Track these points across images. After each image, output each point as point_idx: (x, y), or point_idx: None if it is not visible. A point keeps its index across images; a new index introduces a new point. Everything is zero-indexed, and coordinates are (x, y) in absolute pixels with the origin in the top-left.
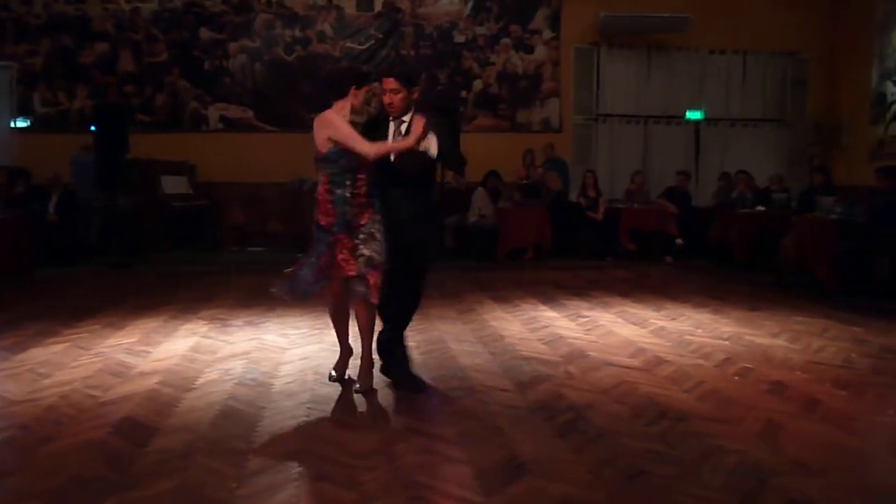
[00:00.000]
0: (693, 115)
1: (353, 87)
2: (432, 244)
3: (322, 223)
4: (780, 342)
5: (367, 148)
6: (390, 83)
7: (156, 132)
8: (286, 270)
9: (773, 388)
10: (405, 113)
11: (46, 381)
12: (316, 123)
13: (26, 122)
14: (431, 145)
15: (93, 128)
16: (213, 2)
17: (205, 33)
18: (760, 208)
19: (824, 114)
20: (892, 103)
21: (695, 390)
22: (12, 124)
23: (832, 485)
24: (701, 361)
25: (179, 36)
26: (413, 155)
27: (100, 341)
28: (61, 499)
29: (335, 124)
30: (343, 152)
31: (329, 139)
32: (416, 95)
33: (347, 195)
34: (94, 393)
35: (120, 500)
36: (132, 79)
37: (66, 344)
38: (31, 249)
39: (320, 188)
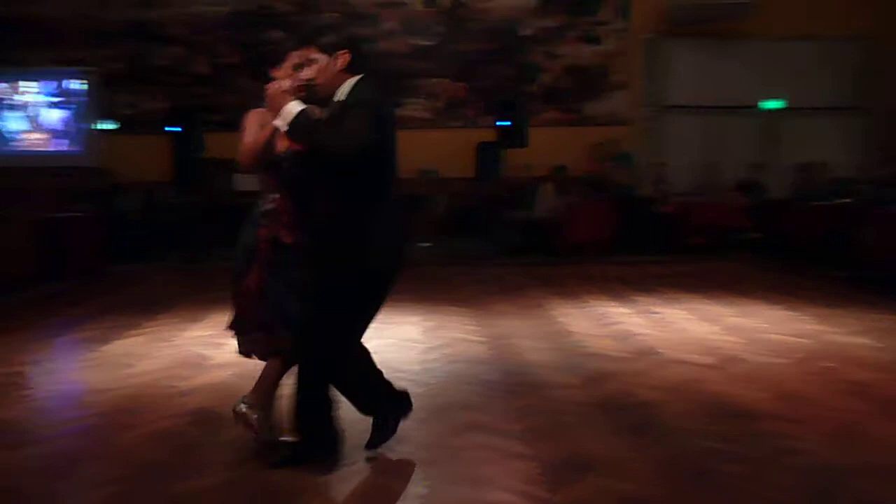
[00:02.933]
0: (770, 104)
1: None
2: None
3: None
4: (861, 341)
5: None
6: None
7: (228, 132)
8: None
9: (853, 389)
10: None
11: (128, 371)
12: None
13: (108, 124)
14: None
15: (170, 129)
16: (283, 3)
17: (274, 33)
18: (838, 200)
19: (888, 102)
20: None
21: (770, 390)
22: (98, 126)
23: None
24: (776, 360)
25: (251, 37)
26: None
27: (177, 333)
28: (137, 484)
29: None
30: None
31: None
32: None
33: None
34: (172, 383)
35: (191, 487)
36: (205, 81)
37: (146, 336)
38: (107, 245)
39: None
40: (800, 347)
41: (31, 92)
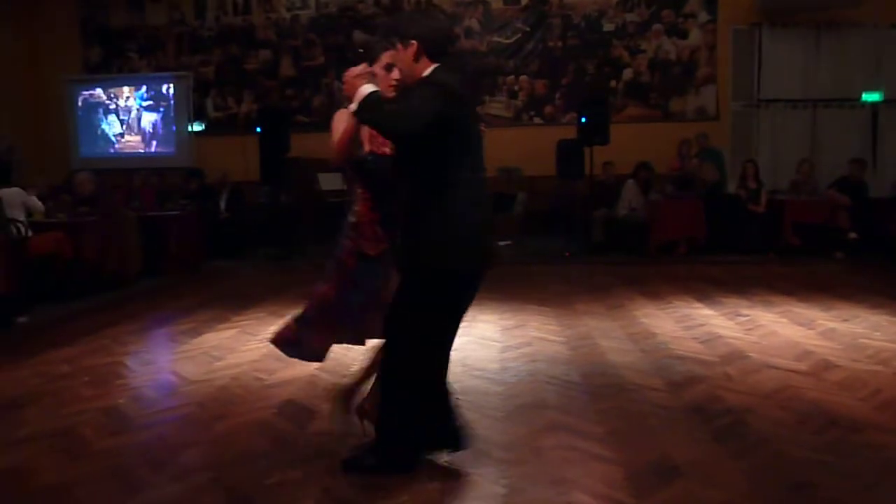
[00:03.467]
0: (870, 96)
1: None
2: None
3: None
4: None
5: None
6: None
7: (313, 132)
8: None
9: None
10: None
11: (219, 364)
12: None
13: (201, 126)
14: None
15: (258, 129)
16: (366, 5)
17: (358, 36)
18: None
19: None
20: None
21: (871, 399)
22: (189, 128)
23: None
24: (879, 367)
25: (335, 40)
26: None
27: (265, 328)
28: (232, 471)
29: None
30: None
31: None
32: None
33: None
34: (261, 376)
35: (283, 476)
36: (292, 83)
37: (236, 330)
38: (204, 243)
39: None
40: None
41: (128, 96)
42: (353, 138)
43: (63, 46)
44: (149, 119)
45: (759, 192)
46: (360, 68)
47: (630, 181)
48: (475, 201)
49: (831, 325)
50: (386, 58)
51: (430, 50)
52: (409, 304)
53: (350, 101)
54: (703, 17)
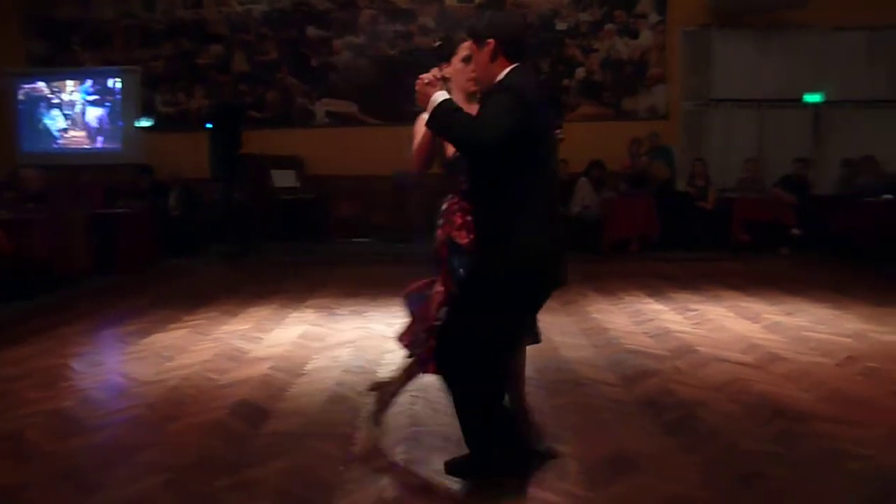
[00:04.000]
0: (812, 97)
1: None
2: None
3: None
4: None
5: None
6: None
7: (266, 128)
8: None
9: None
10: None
11: (170, 364)
12: None
13: (149, 121)
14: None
15: (209, 125)
16: (320, 0)
17: (312, 31)
18: (888, 196)
19: None
20: None
21: (814, 390)
22: (137, 124)
23: None
24: (821, 359)
25: (288, 35)
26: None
27: (216, 328)
28: (185, 473)
29: None
30: None
31: None
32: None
33: None
34: (213, 376)
35: (237, 477)
36: (245, 78)
37: (187, 329)
38: (155, 241)
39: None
40: (845, 347)
41: (72, 91)
42: (433, 146)
43: (4, 39)
44: (94, 114)
45: (706, 189)
46: (432, 74)
47: (583, 179)
48: (543, 222)
49: (777, 318)
50: (464, 49)
51: (507, 50)
52: (464, 306)
53: (424, 108)
54: (654, 17)
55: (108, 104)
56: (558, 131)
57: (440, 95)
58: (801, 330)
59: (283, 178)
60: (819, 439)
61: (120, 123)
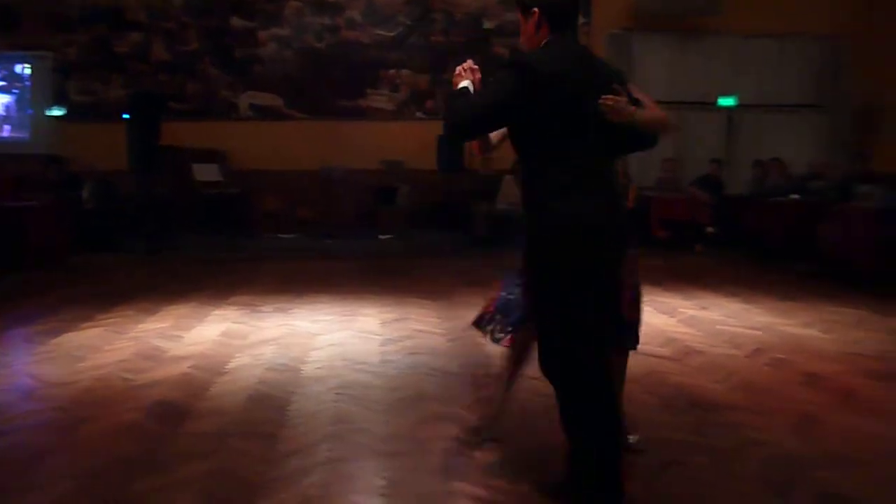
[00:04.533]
0: (726, 101)
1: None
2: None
3: None
4: (814, 332)
5: None
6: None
7: (188, 120)
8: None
9: (807, 380)
10: None
11: (82, 365)
12: None
13: (62, 110)
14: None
15: (126, 116)
16: None
17: (236, 21)
18: (795, 197)
19: (864, 99)
20: None
21: (727, 381)
22: (49, 112)
23: (866, 477)
24: (733, 351)
25: (211, 24)
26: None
27: (133, 326)
28: (97, 479)
29: None
30: None
31: None
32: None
33: None
34: (129, 376)
35: (154, 480)
36: (165, 67)
37: (101, 328)
38: (68, 236)
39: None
40: (754, 339)
41: None
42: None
43: None
44: (0, 101)
45: (627, 187)
46: (464, 65)
47: (508, 176)
48: (574, 191)
49: (692, 312)
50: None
51: (552, 20)
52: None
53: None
54: (579, 19)
55: (16, 91)
56: (612, 98)
57: (461, 84)
58: (714, 324)
59: (206, 172)
60: (730, 428)
61: (29, 111)
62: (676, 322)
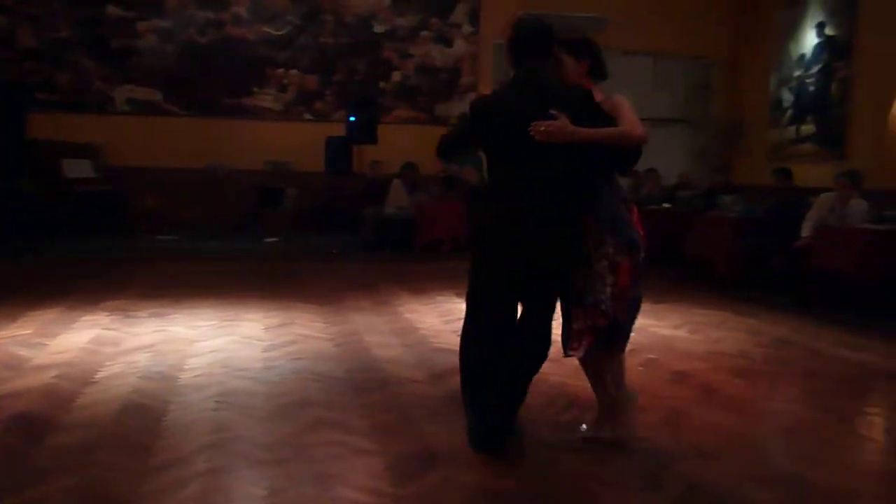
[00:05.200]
0: None
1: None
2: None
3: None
4: (682, 333)
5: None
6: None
7: (59, 112)
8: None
9: (676, 378)
10: None
11: None
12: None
13: None
14: None
15: None
16: None
17: (112, 10)
18: (666, 205)
19: (728, 116)
20: (787, 109)
21: None
22: None
23: (727, 469)
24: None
25: (85, 12)
26: None
27: None
28: None
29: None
30: None
31: None
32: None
33: None
34: None
35: (15, 498)
36: (32, 55)
37: None
38: None
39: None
40: (629, 341)
41: None
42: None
43: None
44: None
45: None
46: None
47: (397, 181)
48: (497, 200)
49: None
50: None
51: (512, 54)
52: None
53: None
54: (468, 28)
55: None
56: (542, 124)
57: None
58: None
59: (77, 168)
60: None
61: None
62: (555, 324)
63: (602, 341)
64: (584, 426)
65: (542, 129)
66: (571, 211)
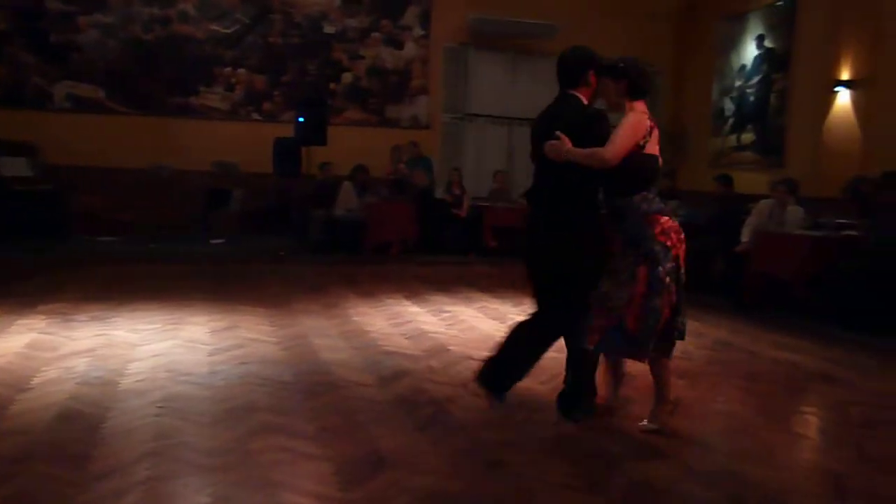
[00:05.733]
0: None
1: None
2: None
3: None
4: None
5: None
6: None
7: None
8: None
9: (623, 379)
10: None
11: None
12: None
13: None
14: None
15: None
16: None
17: (52, 3)
18: None
19: (672, 124)
20: (729, 118)
21: (550, 382)
22: None
23: (670, 467)
24: (555, 355)
25: (21, 4)
26: None
27: None
28: None
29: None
30: None
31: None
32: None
33: None
34: None
35: None
36: None
37: None
38: None
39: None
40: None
41: None
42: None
43: None
44: None
45: (462, 197)
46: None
47: (347, 183)
48: (530, 203)
49: (520, 319)
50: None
51: (560, 79)
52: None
53: None
54: (418, 31)
55: None
56: (549, 143)
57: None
58: None
59: (13, 166)
60: (549, 426)
61: None
62: (505, 328)
63: (622, 346)
64: (644, 421)
65: (547, 147)
66: (577, 219)
